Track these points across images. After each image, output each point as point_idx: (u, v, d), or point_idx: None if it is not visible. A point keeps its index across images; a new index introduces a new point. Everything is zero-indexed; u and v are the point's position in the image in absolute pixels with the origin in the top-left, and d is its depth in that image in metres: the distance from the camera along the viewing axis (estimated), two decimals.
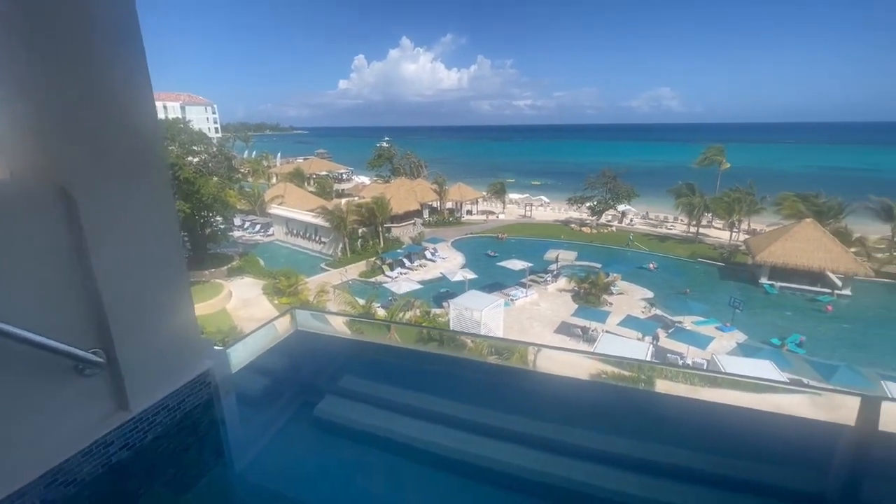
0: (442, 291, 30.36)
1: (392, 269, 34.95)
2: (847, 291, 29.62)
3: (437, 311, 26.02)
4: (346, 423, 3.44)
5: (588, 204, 48.40)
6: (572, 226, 48.32)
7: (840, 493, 3.06)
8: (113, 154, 2.05)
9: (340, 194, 62.11)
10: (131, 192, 2.14)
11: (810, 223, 32.42)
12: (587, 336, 23.89)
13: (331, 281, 30.39)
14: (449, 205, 54.42)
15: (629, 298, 29.39)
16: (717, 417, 4.41)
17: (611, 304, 28.21)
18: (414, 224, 47.34)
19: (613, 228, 47.59)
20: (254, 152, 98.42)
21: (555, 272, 32.81)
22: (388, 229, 42.80)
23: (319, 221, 38.25)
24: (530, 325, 26.02)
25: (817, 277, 30.48)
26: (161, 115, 73.32)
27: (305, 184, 65.39)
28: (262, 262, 35.79)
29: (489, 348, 13.94)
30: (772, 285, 31.14)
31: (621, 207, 49.20)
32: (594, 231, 46.02)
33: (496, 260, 35.47)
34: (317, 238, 40.65)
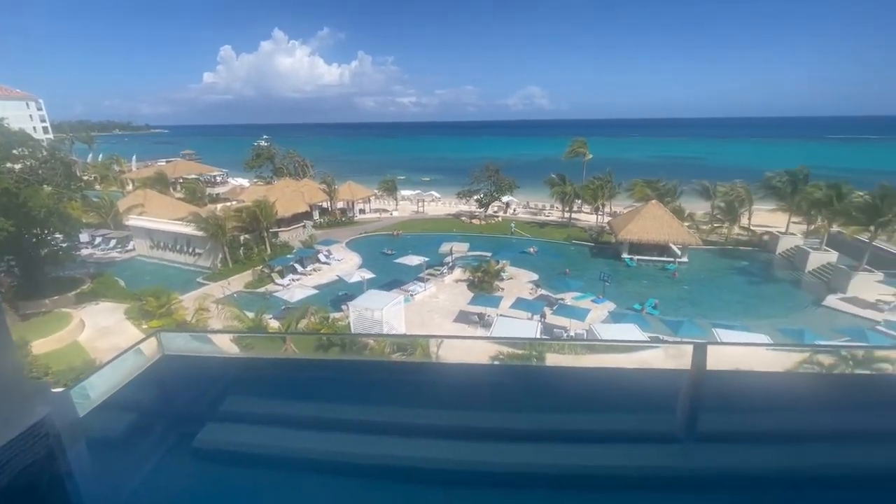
0: (340, 294, 29.38)
1: (283, 276, 32.78)
2: (685, 259, 35.68)
3: (337, 315, 25.15)
4: (236, 449, 3.15)
5: (476, 197, 50.84)
6: (463, 218, 50.32)
7: (684, 426, 3.66)
8: None
9: (215, 199, 56.37)
10: None
11: (655, 204, 38.30)
12: (484, 322, 25.19)
13: (212, 295, 27.45)
14: (340, 204, 52.75)
15: (518, 282, 31.67)
16: (595, 380, 4.98)
17: (502, 289, 30.09)
18: (304, 227, 44.91)
19: (500, 219, 50.69)
20: (100, 155, 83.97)
21: (450, 264, 33.90)
22: (276, 234, 39.99)
23: (192, 231, 34.18)
24: (431, 318, 26.56)
25: (664, 249, 36.19)
26: None
27: (171, 189, 57.88)
28: (121, 283, 30.86)
29: (391, 346, 13.95)
30: (631, 259, 36.14)
31: (505, 199, 52.66)
32: (483, 222, 48.53)
33: (393, 257, 35.41)
34: (190, 250, 36.29)
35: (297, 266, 34.39)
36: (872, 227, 29.49)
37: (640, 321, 23.90)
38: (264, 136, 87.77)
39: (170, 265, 36.62)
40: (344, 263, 36.18)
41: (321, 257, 36.65)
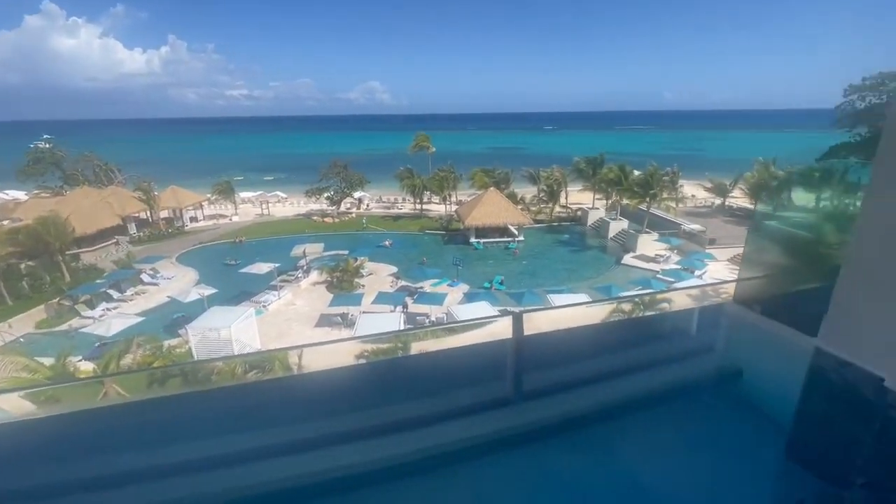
0: (176, 317, 25.55)
1: (93, 306, 27.01)
2: (522, 238, 40.53)
3: (173, 342, 21.92)
4: None
5: (326, 194, 49.15)
6: (315, 218, 48.23)
7: (511, 389, 4.34)
8: None
9: None
10: None
11: (493, 191, 42.47)
12: (347, 321, 24.84)
13: None
14: (164, 213, 45.41)
15: (378, 277, 31.93)
16: (447, 360, 5.49)
17: (363, 285, 30.00)
18: (117, 244, 37.56)
19: (353, 215, 50.03)
20: None
21: (305, 267, 32.32)
22: (76, 256, 32.60)
23: None
24: (289, 327, 25.08)
25: (504, 231, 40.50)
26: None
27: None
28: None
29: (244, 366, 12.81)
30: (479, 242, 39.51)
31: (357, 194, 52.12)
32: (336, 220, 47.29)
33: (238, 267, 32.21)
34: None
35: (112, 292, 28.73)
36: (647, 199, 37.86)
37: (490, 298, 26.52)
38: (45, 136, 69.59)
39: None
40: (176, 281, 31.47)
41: (145, 277, 31.24)
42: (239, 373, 12.07)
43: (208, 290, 27.14)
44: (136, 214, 43.75)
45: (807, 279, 4.40)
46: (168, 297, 28.14)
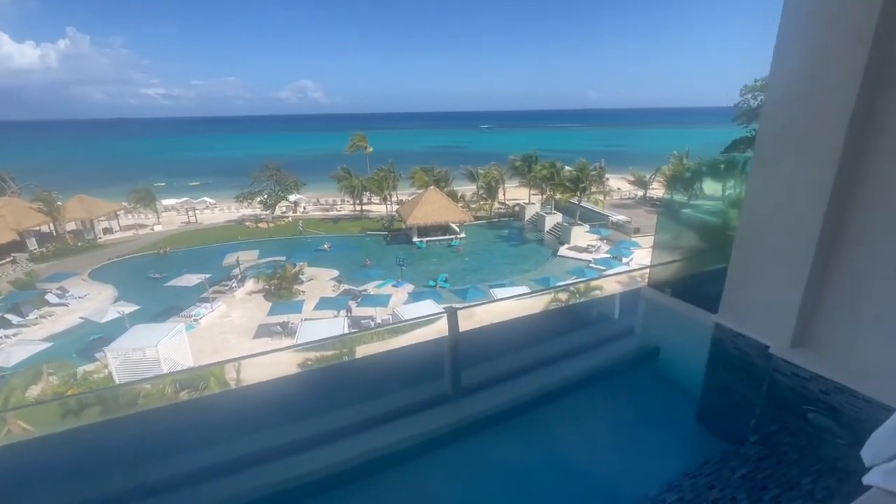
0: (92, 340, 23.20)
1: None
2: (463, 235, 41.13)
3: (90, 367, 19.87)
4: None
5: (259, 199, 46.80)
6: (247, 224, 45.75)
7: (450, 385, 4.45)
8: None
9: None
10: None
11: (433, 189, 42.70)
12: (287, 330, 23.89)
13: None
14: (72, 226, 40.88)
15: (319, 282, 30.97)
16: (387, 361, 5.50)
17: (303, 292, 28.97)
18: (13, 261, 33.30)
19: (290, 219, 48.07)
20: None
21: (239, 276, 30.62)
22: None
23: None
24: (225, 341, 23.64)
25: (446, 229, 40.86)
26: None
27: None
28: None
29: (174, 385, 11.92)
30: (421, 241, 39.58)
31: (293, 198, 50.10)
32: (272, 225, 45.22)
33: (163, 281, 29.84)
34: None
35: (11, 317, 25.50)
36: (578, 193, 39.96)
37: (434, 296, 26.68)
38: None
39: None
40: (90, 300, 28.52)
41: (51, 298, 28.00)
42: (169, 393, 11.20)
43: (129, 308, 24.89)
44: (37, 228, 39.02)
45: (709, 261, 4.92)
46: (81, 318, 25.47)
